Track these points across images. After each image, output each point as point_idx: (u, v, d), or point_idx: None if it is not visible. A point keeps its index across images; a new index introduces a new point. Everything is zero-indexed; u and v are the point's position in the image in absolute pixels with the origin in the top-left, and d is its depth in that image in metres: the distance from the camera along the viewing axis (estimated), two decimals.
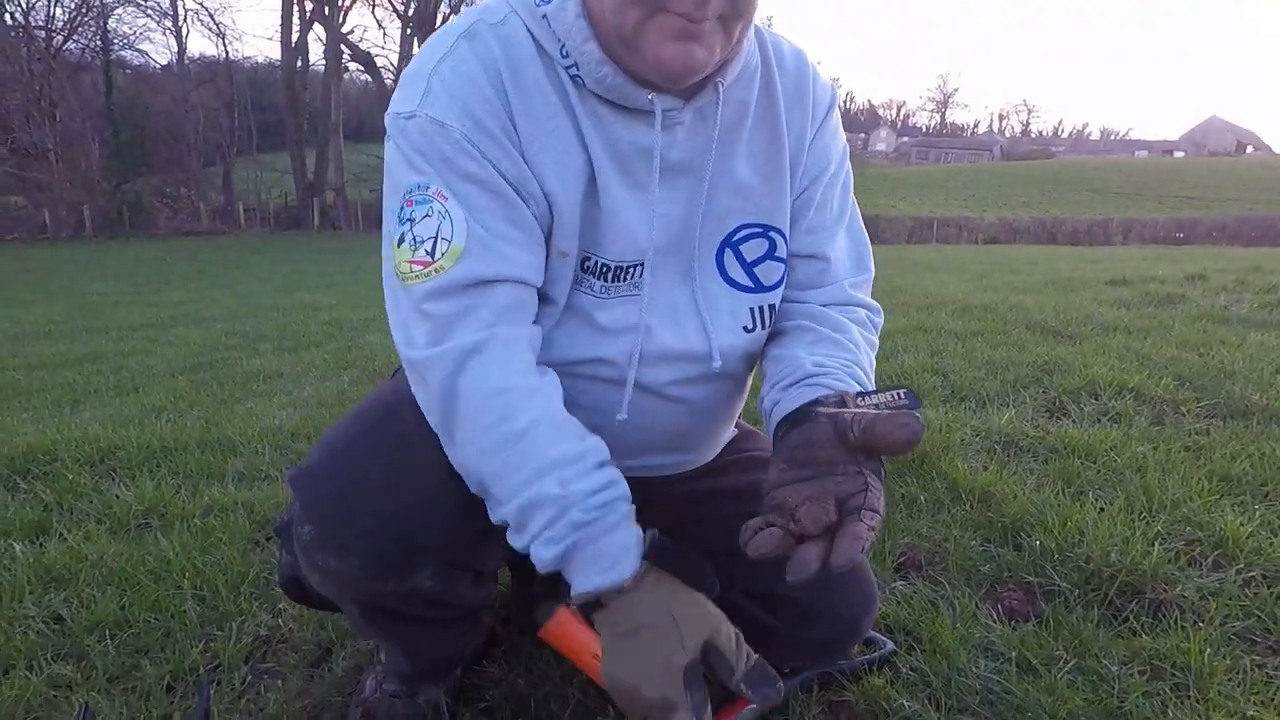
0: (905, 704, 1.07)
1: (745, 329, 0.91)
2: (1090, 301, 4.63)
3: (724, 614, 0.75)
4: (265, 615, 1.29)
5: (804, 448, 0.72)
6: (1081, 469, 1.84)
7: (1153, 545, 1.44)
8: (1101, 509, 1.61)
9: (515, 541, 0.76)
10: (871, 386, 0.86)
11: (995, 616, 1.28)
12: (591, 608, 0.75)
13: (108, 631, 1.23)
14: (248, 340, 4.69)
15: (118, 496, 1.77)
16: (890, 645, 1.20)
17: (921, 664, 1.15)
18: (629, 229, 0.82)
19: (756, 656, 0.72)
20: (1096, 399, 2.44)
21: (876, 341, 0.96)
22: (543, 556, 0.74)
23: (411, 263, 0.76)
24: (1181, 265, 7.36)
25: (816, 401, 0.76)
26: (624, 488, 0.77)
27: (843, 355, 0.86)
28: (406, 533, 0.79)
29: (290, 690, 1.10)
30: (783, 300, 0.93)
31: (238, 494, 1.81)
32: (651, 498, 0.98)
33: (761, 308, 0.91)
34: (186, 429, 2.35)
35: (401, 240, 0.76)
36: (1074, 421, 2.26)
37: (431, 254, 0.75)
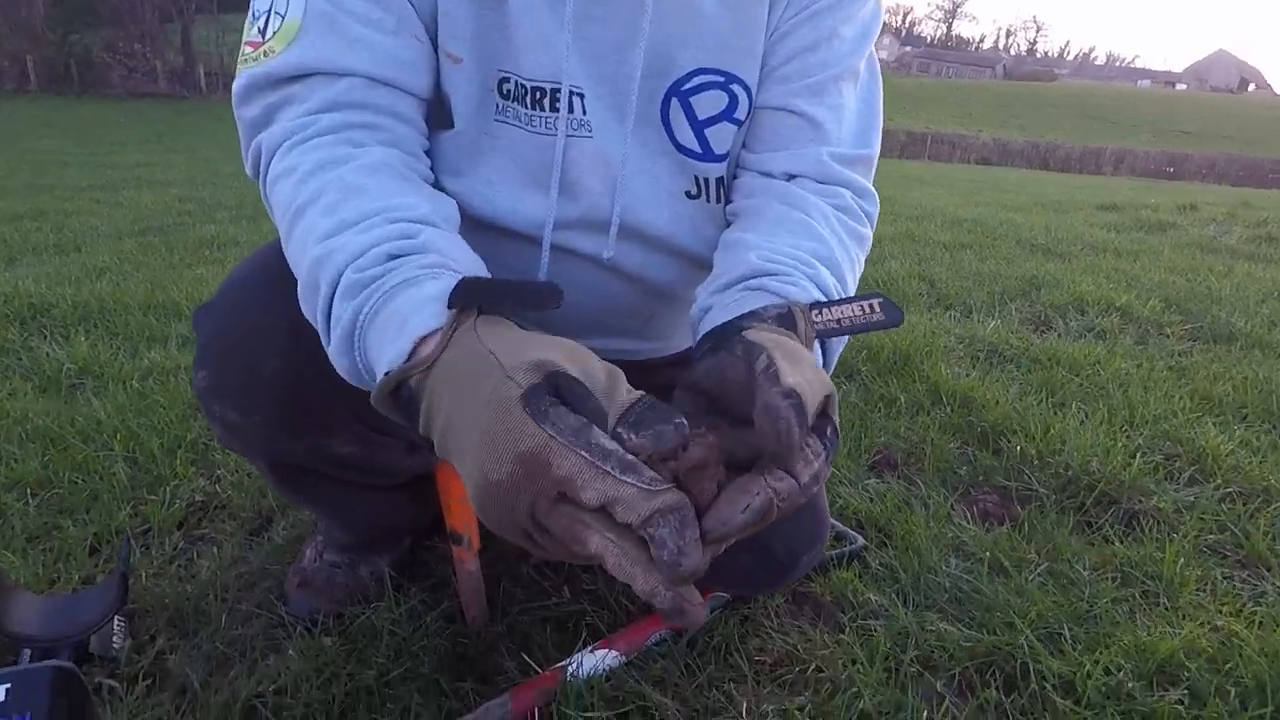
0: (873, 598, 1.03)
1: (688, 194, 0.74)
2: (1081, 223, 4.54)
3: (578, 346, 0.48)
4: (202, 481, 1.21)
5: (714, 387, 0.50)
6: (1065, 380, 1.79)
7: (1133, 457, 1.41)
8: (1083, 419, 1.57)
9: (334, 363, 0.54)
10: (844, 293, 0.66)
11: (969, 518, 1.24)
12: (408, 410, 0.49)
13: (29, 490, 1.14)
14: (203, 207, 4.43)
15: (48, 354, 1.65)
16: (860, 540, 1.15)
17: (892, 560, 1.11)
18: (545, 37, 0.65)
19: (646, 395, 0.45)
20: (1083, 315, 2.38)
21: (867, 236, 0.74)
22: (335, 360, 0.53)
23: (246, 44, 0.62)
24: (1172, 196, 7.27)
25: (752, 315, 0.56)
26: (436, 241, 0.55)
27: (806, 246, 0.65)
28: (318, 385, 0.67)
29: (225, 557, 1.03)
30: (741, 167, 0.74)
31: (181, 358, 1.69)
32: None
33: (708, 179, 0.74)
34: (129, 291, 2.19)
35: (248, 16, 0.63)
36: (1059, 335, 2.21)
37: (263, 32, 0.60)
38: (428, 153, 0.69)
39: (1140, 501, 1.29)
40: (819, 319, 0.56)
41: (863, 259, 0.73)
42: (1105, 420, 1.56)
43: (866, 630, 0.98)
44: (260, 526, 1.12)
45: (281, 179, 0.59)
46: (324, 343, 0.54)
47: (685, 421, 0.41)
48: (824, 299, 0.61)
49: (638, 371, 0.90)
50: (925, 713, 0.85)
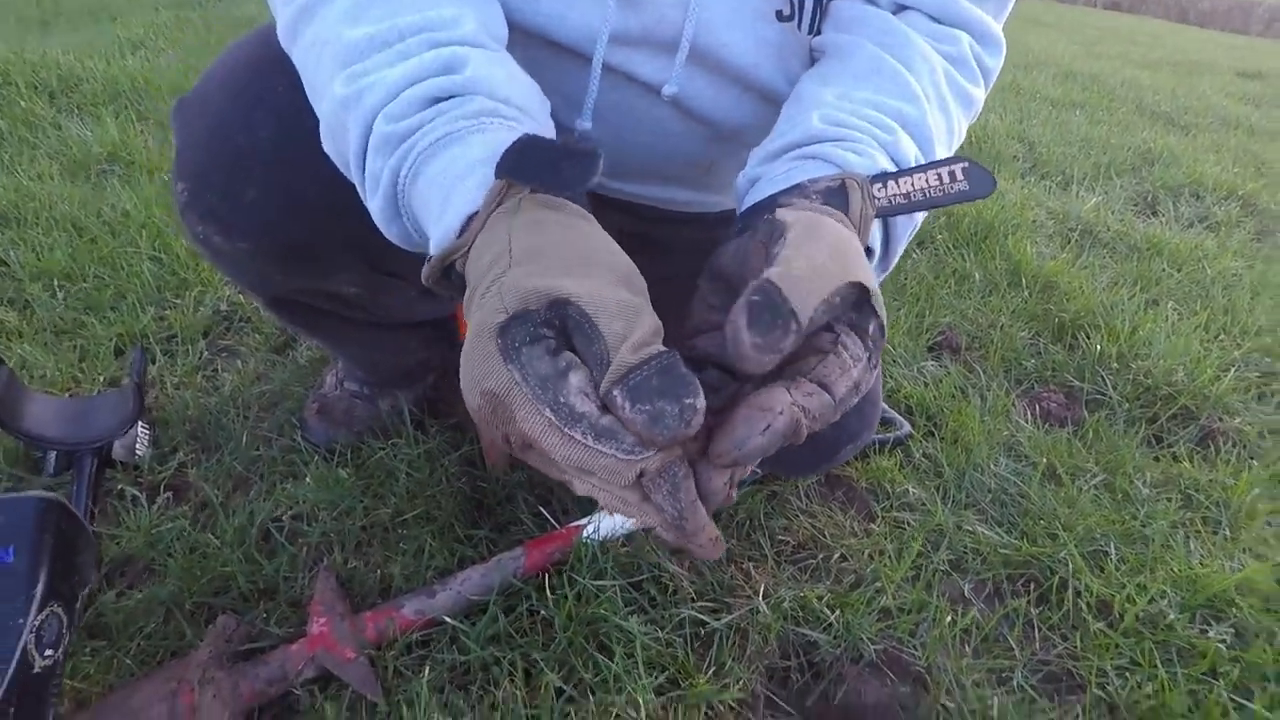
0: (911, 490, 0.98)
1: (780, 14, 0.59)
2: (1215, 91, 4.00)
3: (633, 268, 0.39)
4: (228, 290, 1.17)
5: (735, 276, 0.43)
6: (1163, 275, 1.61)
7: (1225, 371, 1.28)
8: (1176, 322, 1.42)
9: (383, 230, 0.47)
10: (924, 160, 0.53)
11: (1029, 416, 1.15)
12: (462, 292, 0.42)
13: (55, 282, 1.12)
14: None
15: (77, 135, 1.58)
16: (907, 428, 1.08)
17: (937, 453, 1.04)
18: None
19: (669, 352, 0.34)
20: (1199, 200, 2.12)
21: (978, 99, 0.59)
22: (384, 227, 0.46)
23: None
24: None
25: (796, 189, 0.47)
26: (483, 74, 0.44)
27: (890, 107, 0.53)
28: (310, 216, 0.58)
29: (248, 373, 1.01)
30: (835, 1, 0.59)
31: None
32: (662, 242, 0.79)
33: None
34: (162, 71, 2.08)
35: None
36: (1166, 221, 1.98)
37: None
38: None
39: (1222, 420, 1.18)
40: (882, 194, 0.46)
41: (966, 125, 0.59)
42: (1202, 326, 1.41)
43: (899, 523, 0.93)
44: (284, 344, 1.09)
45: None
46: (365, 200, 0.46)
47: (698, 399, 0.32)
48: (893, 169, 0.49)
49: (692, 226, 0.80)
50: (949, 617, 0.81)
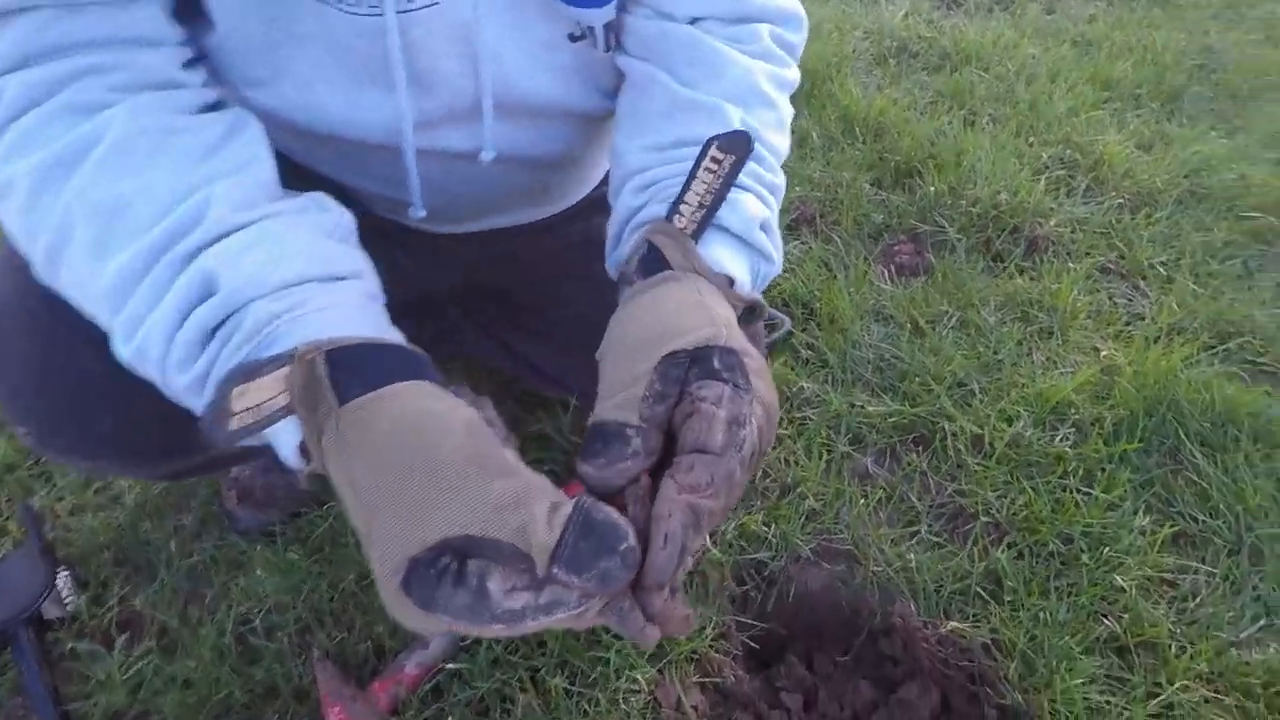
0: (805, 386, 1.09)
1: (571, 37, 0.57)
2: None
3: (478, 430, 0.38)
4: None
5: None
6: (975, 83, 1.71)
7: (1038, 176, 1.42)
8: (993, 135, 1.54)
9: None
10: (761, 172, 0.55)
11: (887, 276, 1.27)
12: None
13: None
14: None
15: None
16: (788, 324, 1.17)
17: (817, 340, 1.15)
18: None
19: (580, 507, 0.35)
20: None
21: (792, 79, 0.60)
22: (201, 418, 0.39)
23: None
24: None
25: (621, 281, 0.50)
26: (246, 275, 0.41)
27: (694, 144, 0.51)
28: (172, 421, 0.54)
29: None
30: (635, 2, 0.58)
31: None
32: (523, 255, 0.79)
33: (593, 27, 0.58)
34: None
35: None
36: (968, 12, 2.06)
37: None
38: (198, 60, 0.49)
39: (1040, 225, 1.34)
40: (683, 220, 0.49)
41: (786, 106, 0.60)
42: (1014, 134, 1.54)
43: (802, 421, 1.05)
44: None
45: None
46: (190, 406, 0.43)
47: (629, 538, 0.35)
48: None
49: (538, 235, 0.80)
50: (861, 498, 0.95)
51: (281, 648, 0.81)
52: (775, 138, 0.58)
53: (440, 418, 0.37)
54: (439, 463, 0.35)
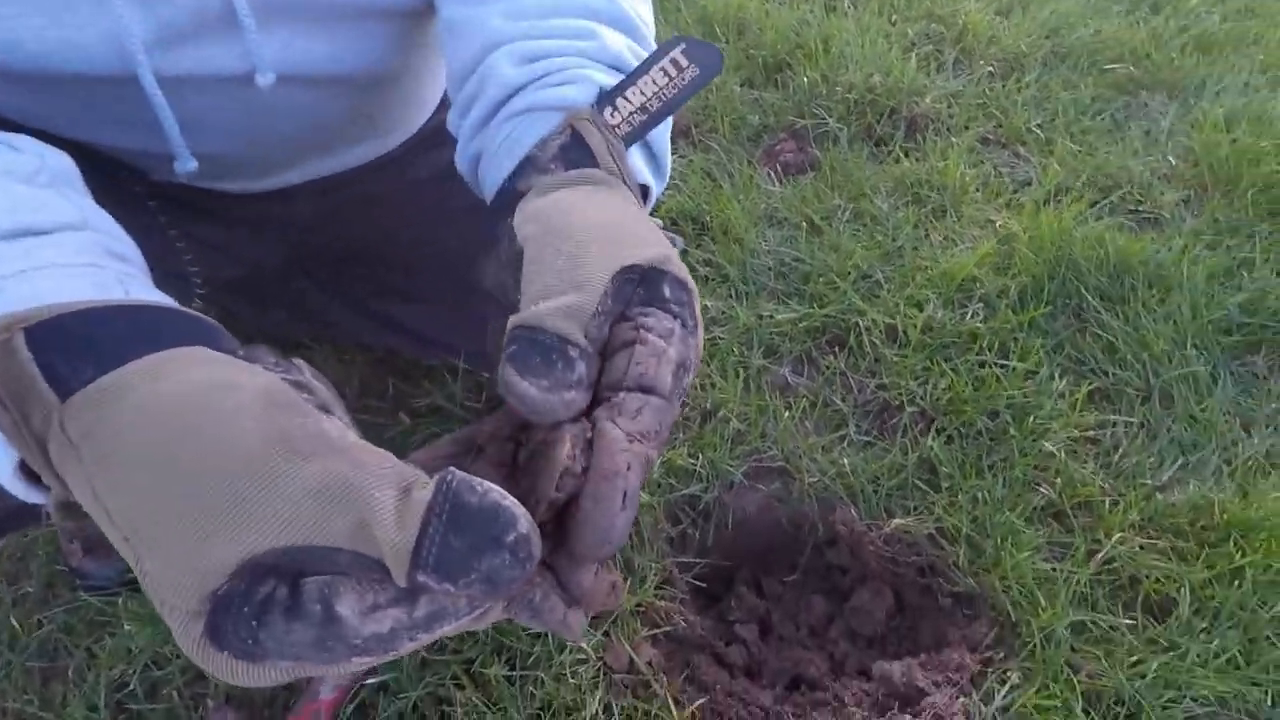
0: (709, 304, 1.02)
1: None
2: None
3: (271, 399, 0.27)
4: None
5: (502, 301, 0.36)
6: None
7: (907, 55, 1.38)
8: (858, 18, 1.49)
9: None
10: (642, 52, 0.47)
11: (774, 177, 1.21)
12: None
13: None
14: None
15: None
16: (679, 242, 1.10)
17: (714, 255, 1.08)
18: None
19: (442, 485, 0.25)
20: None
21: None
22: None
23: None
24: None
25: (529, 166, 0.40)
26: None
27: (568, 4, 0.45)
28: None
29: None
30: None
31: None
32: (366, 204, 0.67)
33: None
34: None
35: None
36: None
37: None
38: None
39: (917, 103, 1.31)
40: (617, 117, 0.41)
41: None
42: (877, 14, 1.49)
43: (713, 341, 0.98)
44: None
45: None
46: None
47: (518, 522, 0.25)
48: (614, 84, 0.43)
49: (378, 177, 0.68)
50: (785, 411, 0.90)
51: (171, 705, 0.69)
52: (648, 31, 0.49)
53: (221, 391, 0.27)
54: (225, 452, 0.25)
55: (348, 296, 0.76)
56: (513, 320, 0.30)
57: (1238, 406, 0.92)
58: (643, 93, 0.41)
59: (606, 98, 0.41)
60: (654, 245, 0.34)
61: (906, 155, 1.23)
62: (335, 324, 0.80)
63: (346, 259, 0.73)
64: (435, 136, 0.67)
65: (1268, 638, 0.72)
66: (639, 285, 0.33)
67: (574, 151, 0.39)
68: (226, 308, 0.73)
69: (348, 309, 0.77)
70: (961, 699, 0.66)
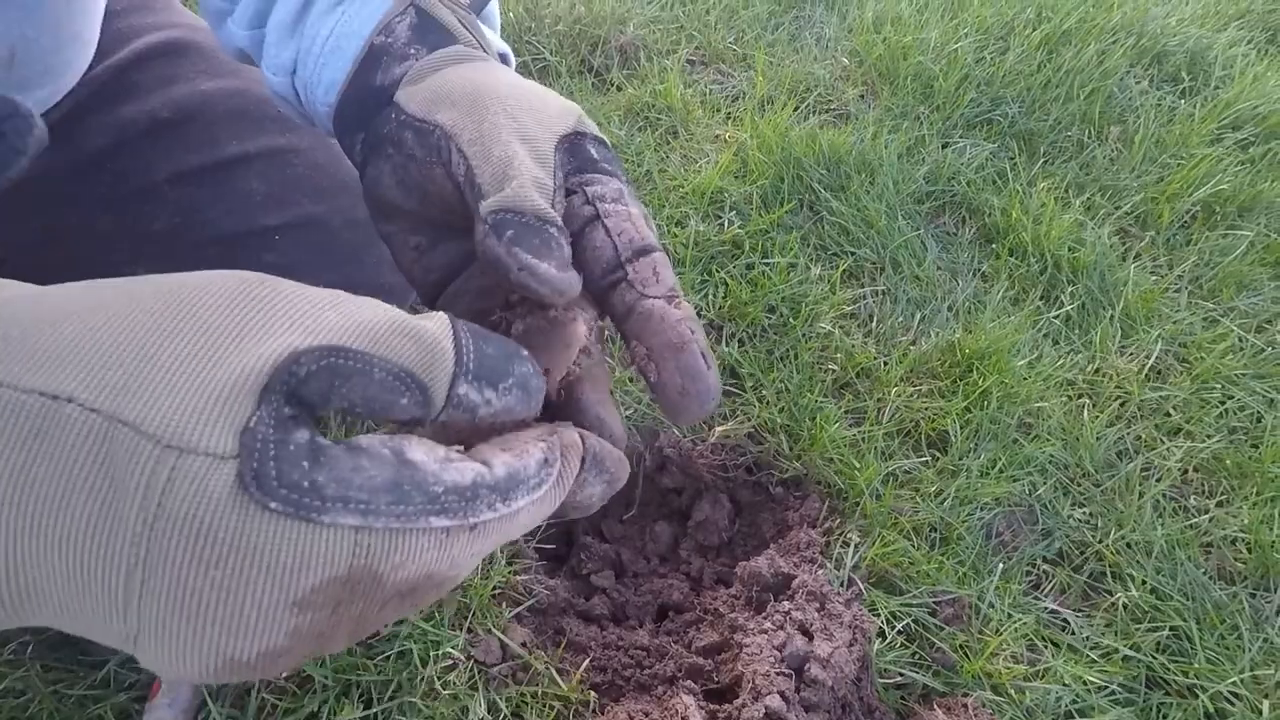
0: None
1: None
2: None
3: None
4: None
5: (423, 209, 0.33)
6: None
7: None
8: None
9: None
10: None
11: None
12: None
13: None
14: None
15: None
16: None
17: None
18: None
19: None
20: None
21: None
22: None
23: None
24: None
25: (383, 57, 0.34)
26: None
27: None
28: None
29: None
30: None
31: None
32: (59, 183, 0.50)
33: None
34: None
35: None
36: None
37: None
38: None
39: (622, 31, 1.31)
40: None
41: None
42: None
43: None
44: None
45: None
46: None
47: (525, 352, 0.25)
48: None
49: (59, 143, 0.51)
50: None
51: None
52: None
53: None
54: (207, 286, 0.21)
55: None
56: (491, 203, 0.28)
57: (943, 260, 1.08)
58: None
59: None
60: (568, 109, 0.32)
61: (629, 82, 1.24)
62: None
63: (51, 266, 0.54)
64: (129, 72, 0.51)
65: (1014, 440, 0.87)
66: (569, 153, 0.31)
67: (430, 33, 0.35)
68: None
69: None
70: (821, 570, 0.71)
